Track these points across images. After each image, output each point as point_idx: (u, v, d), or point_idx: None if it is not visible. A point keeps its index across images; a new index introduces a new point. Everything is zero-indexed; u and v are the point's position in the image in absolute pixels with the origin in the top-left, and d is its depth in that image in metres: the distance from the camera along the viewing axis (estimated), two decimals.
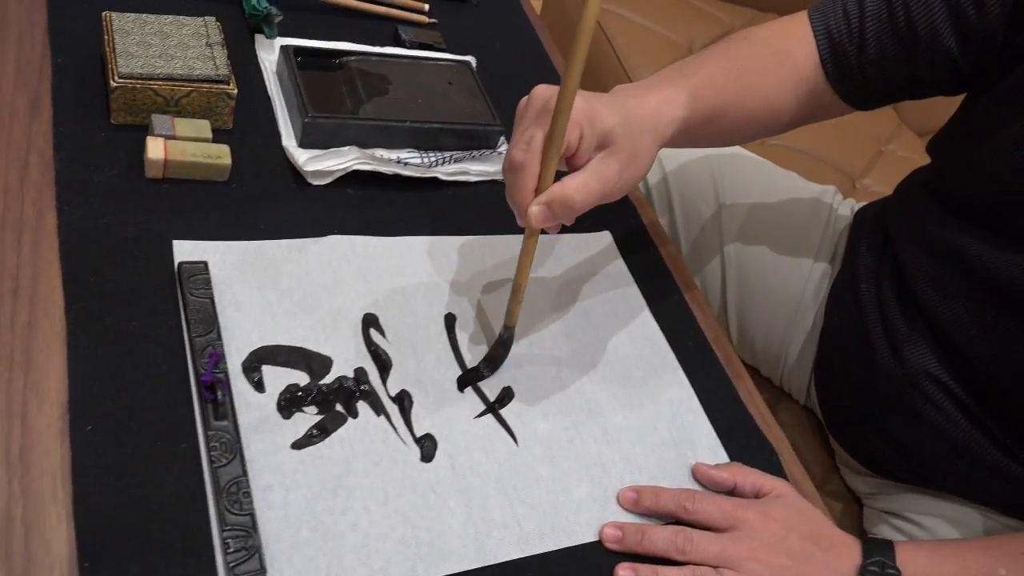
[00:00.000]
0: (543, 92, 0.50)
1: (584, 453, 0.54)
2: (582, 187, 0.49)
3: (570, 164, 0.51)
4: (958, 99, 0.68)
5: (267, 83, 0.68)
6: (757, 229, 0.84)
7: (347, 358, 0.53)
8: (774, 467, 0.59)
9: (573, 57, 0.46)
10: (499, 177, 0.69)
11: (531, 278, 0.55)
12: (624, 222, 0.72)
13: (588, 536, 0.50)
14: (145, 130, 0.59)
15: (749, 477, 0.55)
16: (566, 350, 0.60)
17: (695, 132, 0.61)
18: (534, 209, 0.49)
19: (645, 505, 0.52)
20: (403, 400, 0.52)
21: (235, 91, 0.61)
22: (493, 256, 0.64)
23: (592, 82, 1.24)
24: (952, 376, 0.66)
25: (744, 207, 0.85)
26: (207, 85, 0.60)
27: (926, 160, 0.73)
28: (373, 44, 0.75)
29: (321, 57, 0.70)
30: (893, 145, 1.39)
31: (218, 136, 0.61)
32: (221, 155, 0.59)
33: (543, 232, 0.53)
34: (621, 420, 0.57)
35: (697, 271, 0.87)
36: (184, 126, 0.59)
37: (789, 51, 0.66)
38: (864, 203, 0.84)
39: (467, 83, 0.74)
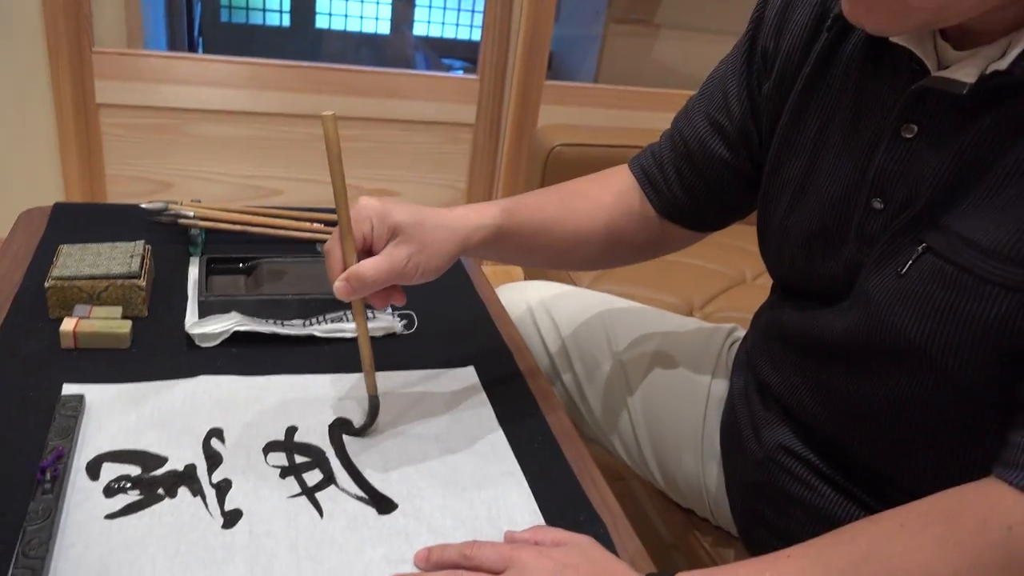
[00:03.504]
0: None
1: (388, 525, 0.58)
2: (373, 266, 0.61)
3: (371, 252, 0.63)
4: None
5: (188, 289, 0.85)
6: (651, 366, 0.89)
7: (181, 457, 0.62)
8: (602, 539, 0.60)
9: (332, 166, 0.60)
10: (376, 334, 0.81)
11: (390, 394, 0.64)
12: (497, 365, 0.81)
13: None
14: None
15: (550, 534, 0.57)
16: (400, 450, 0.66)
17: (517, 242, 0.71)
18: (336, 284, 0.60)
19: (434, 560, 0.55)
20: (222, 486, 0.59)
21: (144, 284, 0.78)
22: (350, 386, 0.73)
23: None
24: (805, 446, 0.67)
25: (637, 353, 0.91)
26: (120, 280, 0.77)
27: None
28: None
29: (232, 263, 0.87)
30: None
31: (131, 320, 0.76)
32: (122, 327, 0.74)
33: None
34: (439, 500, 0.61)
35: (608, 423, 0.91)
36: (100, 311, 0.75)
37: (617, 186, 0.79)
38: None
39: None
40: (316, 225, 1.01)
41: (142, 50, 1.83)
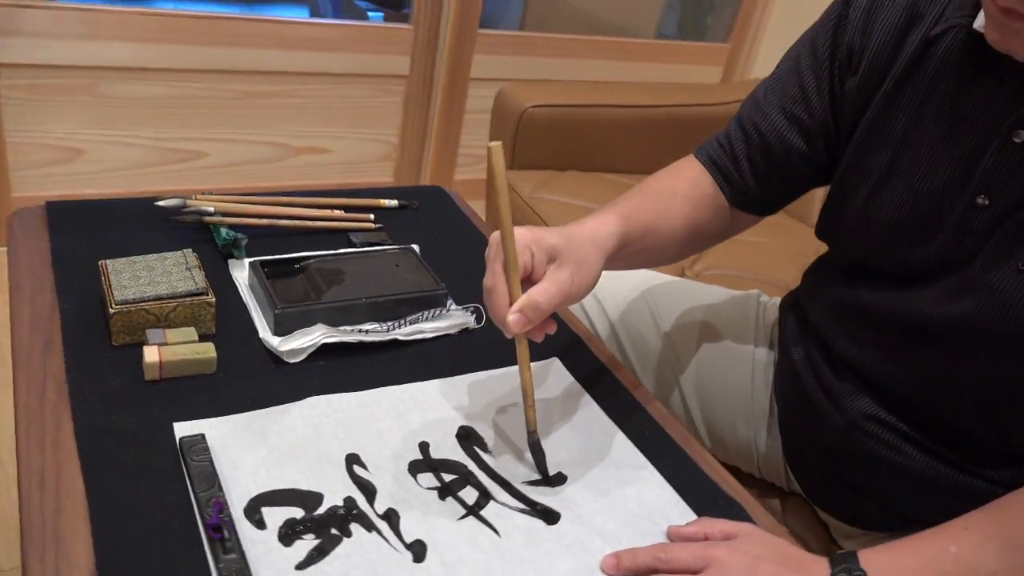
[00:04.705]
0: (496, 236, 0.62)
1: (563, 535, 0.60)
2: (543, 292, 0.60)
3: (532, 280, 0.62)
4: None
5: (242, 295, 0.80)
6: (699, 341, 0.94)
7: (335, 491, 0.60)
8: (744, 520, 0.64)
9: (500, 197, 0.58)
10: (452, 331, 0.80)
11: (498, 406, 0.63)
12: (573, 354, 0.82)
13: None
14: (141, 347, 0.70)
15: (717, 526, 0.60)
16: (529, 456, 0.67)
17: (633, 247, 0.73)
18: (511, 318, 0.60)
19: (624, 566, 0.57)
20: (391, 516, 0.58)
21: (213, 299, 0.73)
22: (458, 392, 0.72)
23: None
24: (889, 412, 0.73)
25: (683, 326, 0.95)
26: (190, 299, 0.72)
27: None
28: (330, 249, 0.88)
29: (284, 265, 0.83)
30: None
31: (204, 339, 0.71)
32: (207, 351, 0.69)
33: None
34: (592, 505, 0.63)
35: (660, 396, 0.95)
36: (174, 334, 0.70)
37: (691, 179, 0.81)
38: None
39: (412, 263, 0.86)
40: (337, 212, 0.97)
41: (42, 1, 1.61)
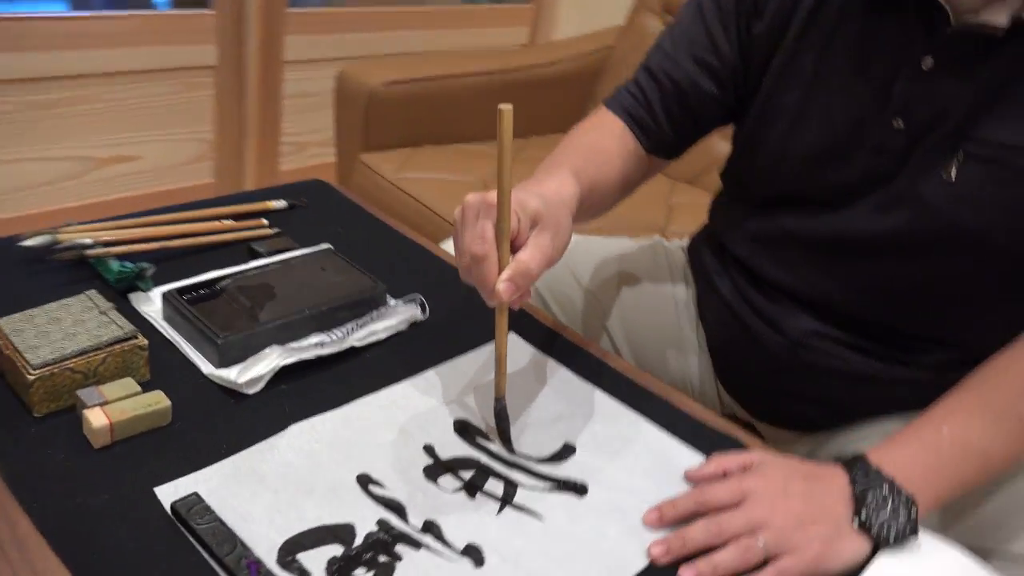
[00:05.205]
0: (474, 199, 0.59)
1: (597, 503, 0.60)
2: (532, 258, 0.58)
3: (515, 246, 0.60)
4: (699, 147, 0.89)
5: (163, 331, 0.71)
6: (620, 291, 0.96)
7: (364, 516, 0.55)
8: (737, 449, 0.68)
9: (502, 162, 0.56)
10: (402, 327, 0.76)
11: (477, 390, 0.61)
12: (519, 326, 0.81)
13: (640, 564, 0.55)
14: (70, 411, 0.60)
15: (731, 460, 0.63)
16: (531, 434, 0.66)
17: (582, 207, 0.72)
18: (501, 286, 0.57)
19: (668, 517, 0.58)
20: (432, 527, 0.55)
21: (145, 342, 0.64)
22: (434, 386, 0.69)
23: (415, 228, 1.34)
24: (828, 325, 0.78)
25: (603, 280, 0.97)
26: (119, 346, 0.62)
27: (702, 199, 0.91)
28: (234, 265, 0.80)
29: (200, 290, 0.74)
30: (675, 199, 1.63)
31: (143, 388, 0.62)
32: (158, 400, 0.60)
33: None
34: (610, 468, 0.63)
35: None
36: (112, 389, 0.60)
37: (616, 134, 0.83)
38: (686, 237, 1.00)
39: (337, 264, 0.81)
40: (227, 223, 0.88)
41: None
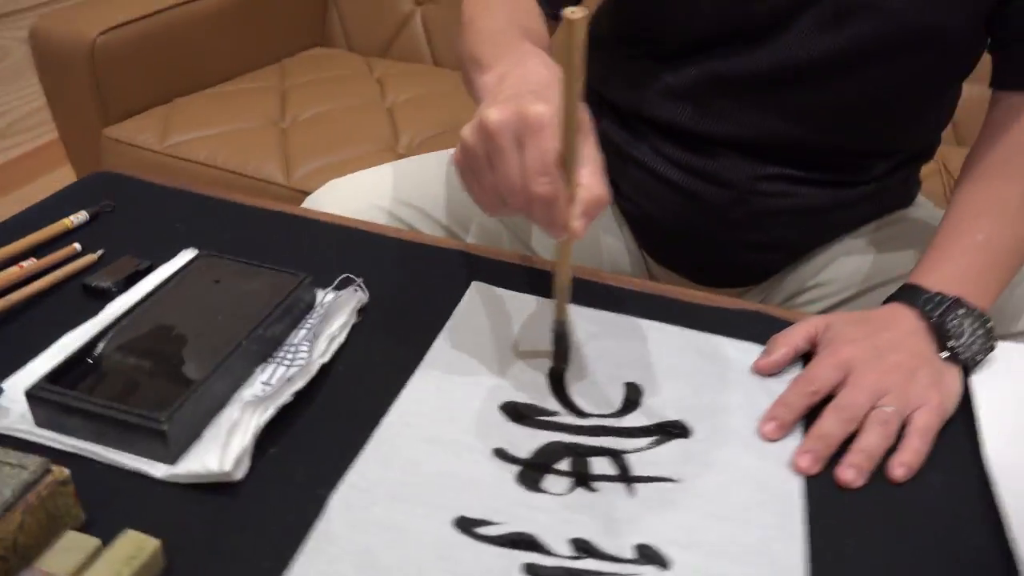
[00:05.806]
0: (504, 117, 0.45)
1: (707, 437, 0.52)
2: (599, 182, 0.47)
3: None
4: None
5: (49, 444, 0.48)
6: None
7: (498, 566, 0.43)
8: (778, 322, 0.62)
9: (573, 84, 0.43)
10: (355, 319, 0.60)
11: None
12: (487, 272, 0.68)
13: (796, 483, 0.49)
14: None
15: (796, 335, 0.58)
16: (591, 381, 0.56)
17: None
18: (576, 224, 0.46)
19: (789, 421, 0.52)
20: (583, 546, 0.44)
21: (67, 472, 0.42)
22: (441, 379, 0.55)
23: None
24: (775, 165, 0.72)
25: None
26: (32, 493, 0.41)
27: None
28: (85, 319, 0.57)
29: (72, 367, 0.51)
30: None
31: (93, 533, 0.42)
32: (143, 547, 0.41)
33: None
34: (687, 393, 0.55)
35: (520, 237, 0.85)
36: (56, 560, 0.39)
37: (532, 11, 0.72)
38: None
39: (228, 268, 0.61)
40: (31, 261, 0.63)
41: None
